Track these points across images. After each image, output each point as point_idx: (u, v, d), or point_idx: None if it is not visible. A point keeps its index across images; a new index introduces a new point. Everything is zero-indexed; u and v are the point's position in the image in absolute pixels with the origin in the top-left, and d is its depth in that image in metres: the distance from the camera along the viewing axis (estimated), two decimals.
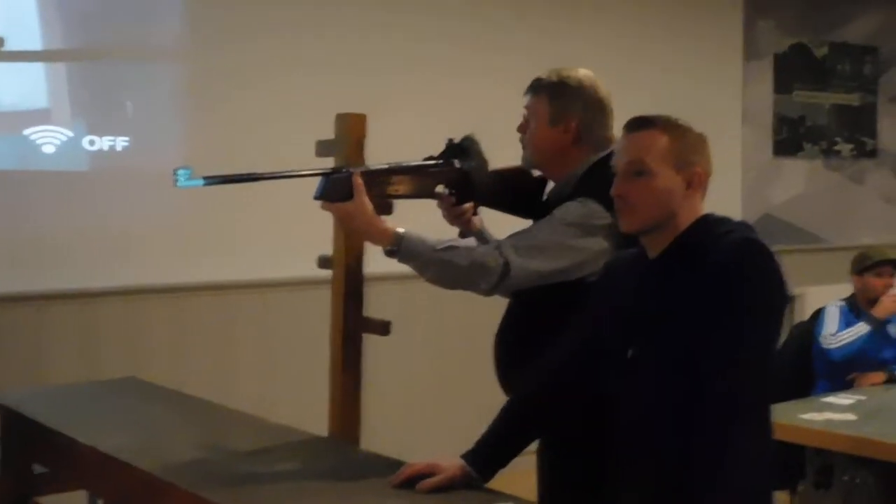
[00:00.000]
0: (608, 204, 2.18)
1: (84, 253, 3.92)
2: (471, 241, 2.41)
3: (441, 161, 2.39)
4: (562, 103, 2.38)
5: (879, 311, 4.05)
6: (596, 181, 2.29)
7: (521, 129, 2.44)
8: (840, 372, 4.03)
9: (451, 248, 2.27)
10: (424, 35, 4.73)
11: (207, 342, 4.15)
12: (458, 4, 4.86)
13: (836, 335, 4.07)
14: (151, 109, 4.11)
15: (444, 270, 2.27)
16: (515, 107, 2.49)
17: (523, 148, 2.45)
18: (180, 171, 2.05)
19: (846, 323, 4.08)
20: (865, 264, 4.13)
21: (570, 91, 2.39)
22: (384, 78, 4.51)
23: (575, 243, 2.27)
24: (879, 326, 4.05)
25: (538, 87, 2.43)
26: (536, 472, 2.44)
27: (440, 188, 2.41)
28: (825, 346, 4.06)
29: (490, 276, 2.24)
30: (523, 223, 2.43)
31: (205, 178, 2.09)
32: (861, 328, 4.04)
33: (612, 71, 4.96)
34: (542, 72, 2.45)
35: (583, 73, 2.43)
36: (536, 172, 2.51)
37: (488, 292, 2.29)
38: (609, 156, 2.36)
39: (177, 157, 3.99)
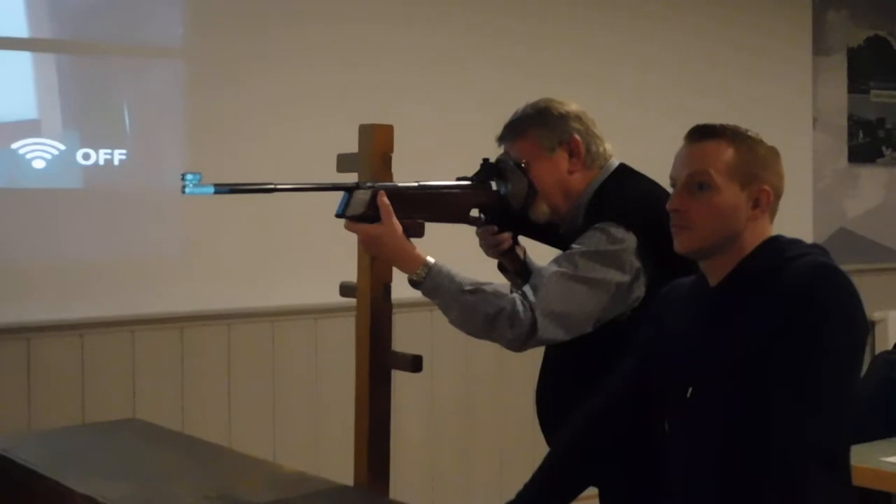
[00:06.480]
0: (627, 222, 2.21)
1: (77, 280, 3.95)
2: (503, 284, 2.34)
3: (475, 182, 2.41)
4: (552, 127, 2.42)
5: None
6: (609, 200, 2.34)
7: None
8: None
9: (477, 290, 2.24)
10: (464, 30, 4.71)
11: (215, 378, 4.18)
12: None
13: None
14: (149, 116, 4.12)
15: (466, 316, 2.25)
16: None
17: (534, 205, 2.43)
18: (189, 176, 2.09)
19: None
20: None
21: (553, 114, 2.43)
22: (411, 78, 4.53)
23: (603, 276, 2.25)
24: None
25: (517, 128, 2.45)
26: None
27: (475, 212, 2.42)
28: None
29: (518, 329, 2.22)
30: None
31: (215, 185, 2.13)
32: None
33: (663, 70, 5.03)
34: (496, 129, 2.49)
35: (544, 99, 2.47)
36: None
37: (517, 347, 2.26)
38: (615, 173, 2.40)
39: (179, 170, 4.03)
